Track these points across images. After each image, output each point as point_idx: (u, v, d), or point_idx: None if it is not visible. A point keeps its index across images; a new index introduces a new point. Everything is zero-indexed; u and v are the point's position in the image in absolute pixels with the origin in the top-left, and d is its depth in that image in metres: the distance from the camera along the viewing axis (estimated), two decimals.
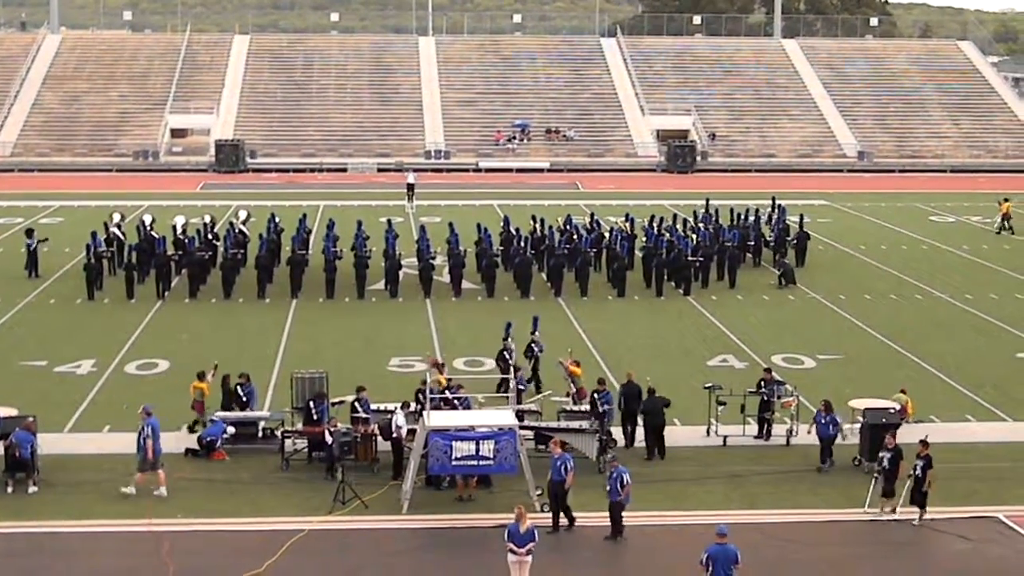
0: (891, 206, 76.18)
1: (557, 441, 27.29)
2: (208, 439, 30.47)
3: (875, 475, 27.52)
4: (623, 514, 25.95)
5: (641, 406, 30.93)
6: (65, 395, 35.17)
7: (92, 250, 49.88)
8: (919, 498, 26.79)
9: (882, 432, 29.63)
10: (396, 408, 29.93)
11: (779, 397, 32.31)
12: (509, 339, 35.90)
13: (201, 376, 32.52)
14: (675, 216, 60.05)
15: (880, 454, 27.55)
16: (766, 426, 32.15)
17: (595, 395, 31.18)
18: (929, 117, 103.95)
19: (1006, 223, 66.97)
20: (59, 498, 27.85)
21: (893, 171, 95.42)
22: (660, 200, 72.33)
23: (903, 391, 33.74)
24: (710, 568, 21.85)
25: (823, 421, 30.19)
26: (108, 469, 29.10)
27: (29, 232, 53.07)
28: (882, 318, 46.12)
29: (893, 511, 27.16)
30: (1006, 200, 68.33)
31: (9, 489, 27.97)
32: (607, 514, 25.97)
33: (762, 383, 32.48)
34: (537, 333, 36.63)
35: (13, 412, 30.81)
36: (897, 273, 54.88)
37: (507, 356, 35.15)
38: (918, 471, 26.68)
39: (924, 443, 27.22)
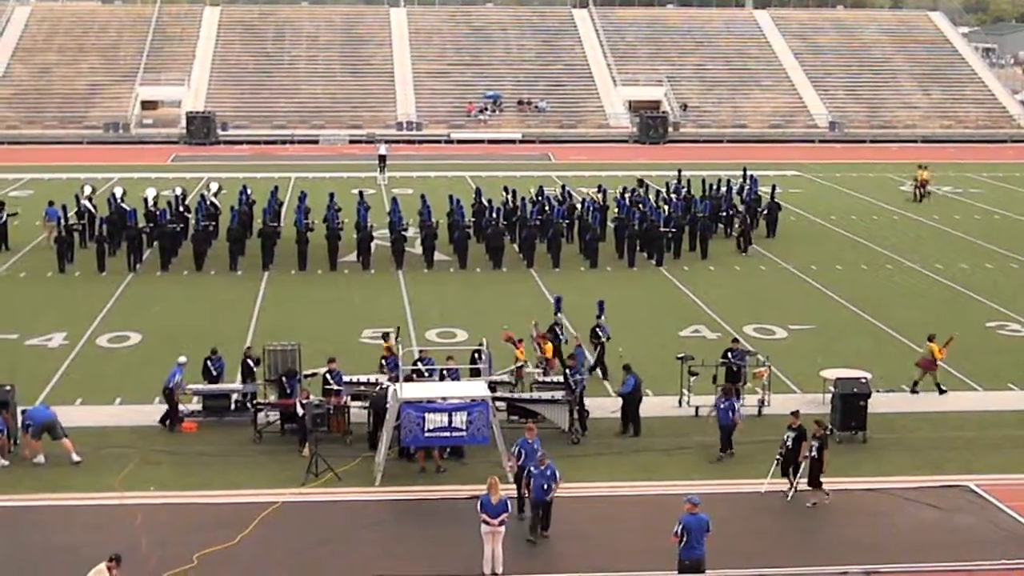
0: (862, 176, 76.42)
1: (532, 426, 27.00)
2: (169, 387, 30.50)
3: (778, 456, 26.98)
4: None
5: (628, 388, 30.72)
6: (37, 368, 35.02)
7: (62, 223, 49.70)
8: (815, 479, 26.40)
9: (854, 402, 29.89)
10: (387, 380, 29.87)
11: (748, 367, 32.42)
12: (559, 314, 35.59)
13: (386, 337, 33.09)
14: (647, 187, 60.05)
15: (785, 434, 26.95)
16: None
17: (567, 371, 31.06)
18: (900, 87, 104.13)
19: (921, 190, 67.69)
20: (31, 471, 27.79)
21: (864, 141, 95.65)
22: (632, 171, 72.25)
23: (931, 339, 33.98)
24: (684, 538, 21.95)
25: (722, 407, 29.07)
26: (80, 442, 28.97)
27: None
28: (853, 288, 46.31)
29: (794, 490, 26.74)
30: (922, 167, 69.01)
31: None
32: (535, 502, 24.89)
33: (728, 353, 32.56)
34: (603, 318, 35.86)
35: None
36: (868, 243, 55.09)
37: (557, 331, 34.79)
38: (813, 452, 26.31)
39: (819, 423, 26.86)
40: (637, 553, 24.08)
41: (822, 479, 26.50)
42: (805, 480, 26.62)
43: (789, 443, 26.75)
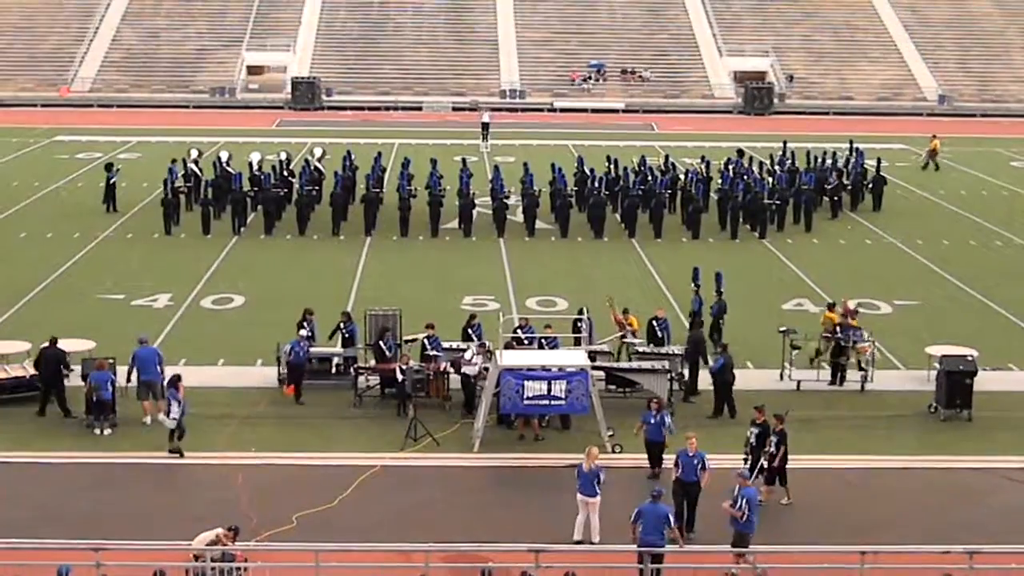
0: (971, 151, 74.90)
1: (692, 437, 24.25)
2: (289, 360, 30.70)
3: (745, 454, 25.50)
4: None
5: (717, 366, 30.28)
6: (141, 328, 35.31)
7: (169, 185, 50.34)
8: (772, 476, 25.02)
9: (960, 379, 29.38)
10: (470, 345, 30.01)
11: (854, 343, 32.01)
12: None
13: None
14: (751, 158, 59.43)
15: (748, 430, 25.66)
16: (840, 372, 31.88)
17: (653, 322, 31.63)
18: (1012, 61, 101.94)
19: (931, 160, 67.88)
20: (134, 431, 28.23)
21: (974, 115, 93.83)
22: (736, 142, 71.50)
23: None
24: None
25: (652, 421, 26.11)
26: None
27: (108, 167, 53.57)
28: (960, 264, 45.54)
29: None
30: (934, 137, 69.03)
31: (97, 431, 28.01)
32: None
33: (836, 328, 32.17)
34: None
35: (91, 345, 31.27)
36: (976, 219, 54.10)
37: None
38: (771, 447, 24.99)
39: (779, 417, 25.36)
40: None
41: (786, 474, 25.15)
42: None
43: (752, 440, 25.48)
